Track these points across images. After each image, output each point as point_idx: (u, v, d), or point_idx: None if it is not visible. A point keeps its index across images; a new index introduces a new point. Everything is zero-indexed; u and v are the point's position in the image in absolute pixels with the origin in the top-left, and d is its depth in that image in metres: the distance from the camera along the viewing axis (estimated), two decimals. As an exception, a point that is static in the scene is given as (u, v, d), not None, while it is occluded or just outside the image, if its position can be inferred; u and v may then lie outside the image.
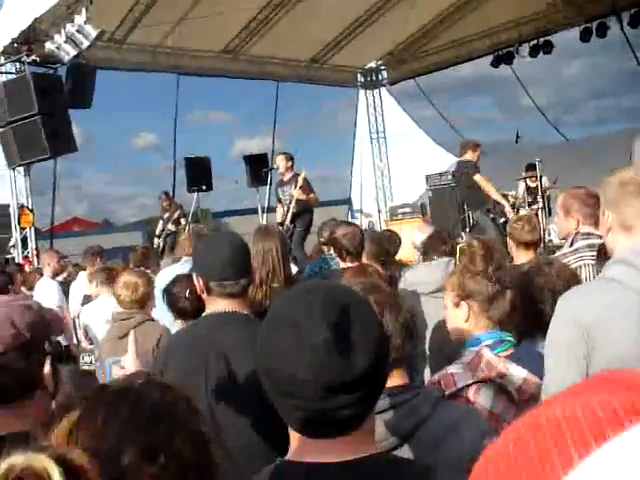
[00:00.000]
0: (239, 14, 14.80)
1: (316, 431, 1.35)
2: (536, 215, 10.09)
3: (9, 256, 13.16)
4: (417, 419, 1.90)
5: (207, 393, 2.62)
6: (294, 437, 1.39)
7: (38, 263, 11.91)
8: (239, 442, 2.54)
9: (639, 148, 1.84)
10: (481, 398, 2.49)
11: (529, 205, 12.39)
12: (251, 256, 3.02)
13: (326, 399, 1.27)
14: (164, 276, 5.80)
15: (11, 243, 13.44)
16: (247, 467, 2.09)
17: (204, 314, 3.00)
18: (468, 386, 2.49)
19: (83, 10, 11.19)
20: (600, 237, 3.29)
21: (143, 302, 4.81)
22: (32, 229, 13.53)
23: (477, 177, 10.02)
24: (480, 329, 2.69)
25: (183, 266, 5.75)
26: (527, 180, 13.03)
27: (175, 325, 4.47)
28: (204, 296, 2.92)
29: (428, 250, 5.41)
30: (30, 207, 13.47)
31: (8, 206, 13.63)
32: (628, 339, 2.13)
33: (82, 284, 7.82)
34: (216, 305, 2.84)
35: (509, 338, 2.69)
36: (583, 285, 3.08)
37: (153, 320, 4.87)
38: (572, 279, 3.17)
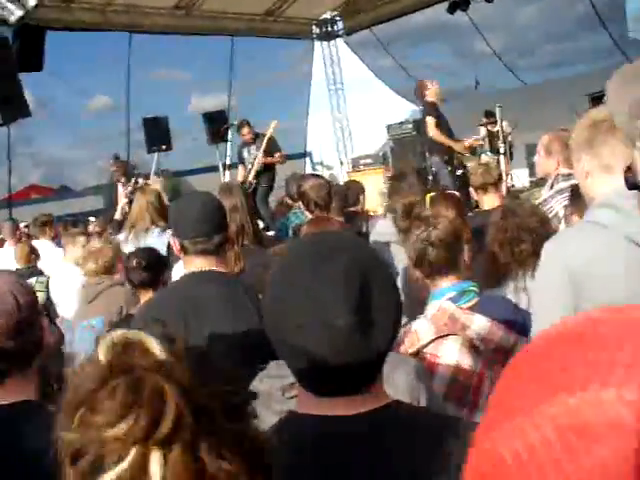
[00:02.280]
0: (189, -32, 14.48)
1: (328, 391, 1.33)
2: (497, 160, 10.16)
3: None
4: None
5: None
6: (303, 393, 1.36)
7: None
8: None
9: (612, 87, 1.76)
10: (446, 352, 2.49)
11: (491, 151, 12.44)
12: (224, 214, 2.98)
13: (342, 370, 1.27)
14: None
15: (-33, 214, 13.20)
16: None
17: (182, 274, 3.00)
18: (433, 341, 2.49)
19: (28, -32, 10.85)
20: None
21: (109, 269, 4.79)
22: (-10, 199, 13.31)
23: (428, 119, 10.01)
24: (431, 284, 2.69)
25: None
26: (488, 126, 13.09)
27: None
28: (182, 257, 2.92)
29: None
30: (-15, 176, 13.22)
31: (-38, 175, 13.39)
32: (617, 284, 2.10)
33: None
34: (193, 264, 2.85)
35: (472, 288, 2.69)
36: (569, 229, 3.07)
37: (122, 285, 4.86)
38: (545, 217, 3.19)
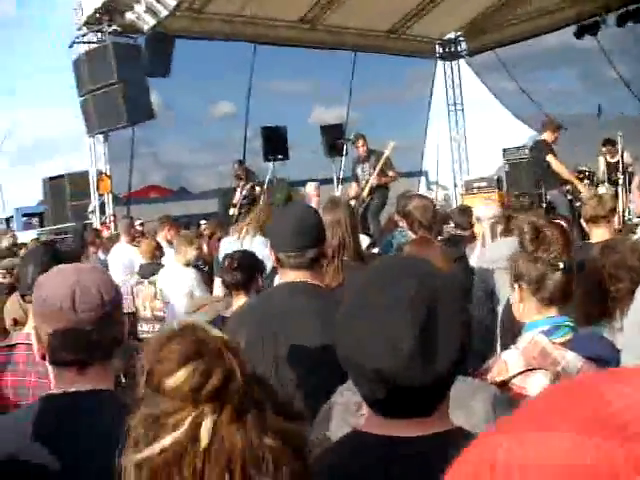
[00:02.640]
0: (317, -17, 14.71)
1: (390, 412, 1.35)
2: (615, 192, 9.83)
3: (88, 222, 13.47)
4: None
5: (275, 363, 2.65)
6: (369, 411, 1.39)
7: (115, 229, 12.21)
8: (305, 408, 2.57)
9: None
10: (534, 386, 2.44)
11: (609, 181, 12.04)
12: (322, 227, 2.98)
13: (404, 392, 1.29)
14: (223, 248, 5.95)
15: (90, 209, 13.76)
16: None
17: (276, 284, 3.02)
18: (521, 373, 2.44)
19: (163, -20, 11.31)
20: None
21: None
22: (110, 195, 13.84)
23: (549, 158, 9.88)
24: (532, 311, 2.63)
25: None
26: (607, 155, 12.67)
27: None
28: (278, 268, 2.94)
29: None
30: (108, 173, 13.75)
31: (87, 172, 13.95)
32: None
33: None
34: (287, 276, 2.86)
35: (568, 323, 2.61)
36: None
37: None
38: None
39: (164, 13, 11.56)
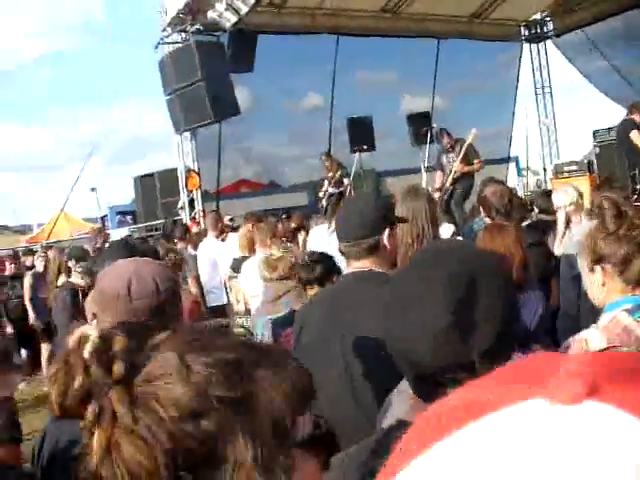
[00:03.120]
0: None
1: (433, 397, 1.33)
2: None
3: (177, 218, 13.77)
4: None
5: (342, 355, 2.67)
6: (414, 399, 1.39)
7: (205, 224, 12.44)
8: (373, 402, 2.57)
9: None
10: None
11: None
12: (382, 215, 2.96)
13: (440, 374, 1.28)
14: (312, 237, 5.96)
15: (179, 205, 14.08)
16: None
17: (343, 274, 3.05)
18: (602, 350, 2.38)
19: (242, -23, 11.46)
20: None
21: (285, 277, 4.94)
22: (199, 191, 14.11)
23: (633, 134, 9.61)
24: (617, 293, 2.55)
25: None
26: None
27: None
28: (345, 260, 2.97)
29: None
30: (196, 170, 14.03)
31: (176, 170, 14.27)
32: None
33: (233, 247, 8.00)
34: (351, 266, 2.88)
35: (652, 302, 2.54)
36: None
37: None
38: None
39: (245, 10, 11.72)
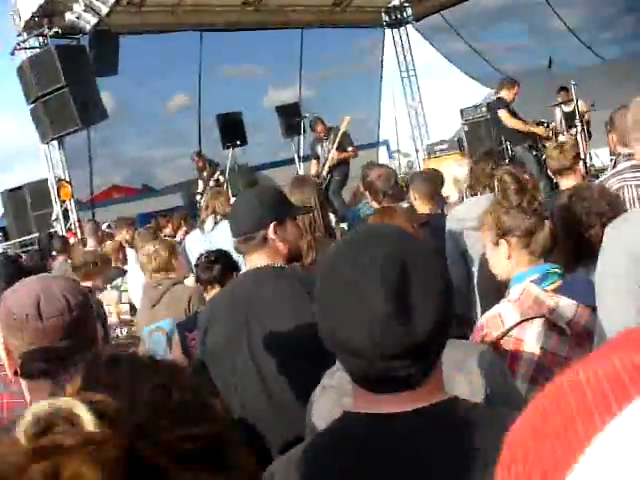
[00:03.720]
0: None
1: (379, 388, 1.31)
2: (575, 140, 9.95)
3: (52, 230, 13.30)
4: None
5: (250, 351, 2.66)
6: (357, 391, 1.35)
7: (82, 234, 12.05)
8: (286, 396, 2.56)
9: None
10: (531, 336, 2.42)
11: (567, 130, 12.14)
12: (267, 209, 2.93)
13: (386, 362, 1.24)
14: (191, 238, 5.90)
15: (53, 217, 13.58)
16: (296, 419, 2.13)
17: (241, 272, 3.02)
18: (517, 325, 2.42)
19: (98, -24, 11.11)
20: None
21: (166, 268, 4.88)
22: (72, 201, 13.65)
23: (500, 112, 10.10)
24: (523, 265, 2.60)
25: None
26: (562, 106, 12.81)
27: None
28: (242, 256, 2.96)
29: (474, 184, 5.29)
30: (68, 179, 13.57)
31: (46, 181, 13.75)
32: None
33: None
34: (249, 262, 2.88)
35: (555, 270, 2.60)
36: (631, 212, 2.94)
37: (181, 283, 4.95)
38: (614, 199, 3.06)
39: (105, 10, 11.36)
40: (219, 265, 4.43)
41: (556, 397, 0.52)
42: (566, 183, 4.75)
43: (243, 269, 3.44)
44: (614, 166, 4.12)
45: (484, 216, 2.72)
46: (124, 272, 7.06)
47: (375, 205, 4.95)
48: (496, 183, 2.66)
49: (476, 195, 5.10)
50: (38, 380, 1.84)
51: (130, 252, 7.71)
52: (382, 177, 4.93)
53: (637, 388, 0.47)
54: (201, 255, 4.60)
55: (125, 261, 7.63)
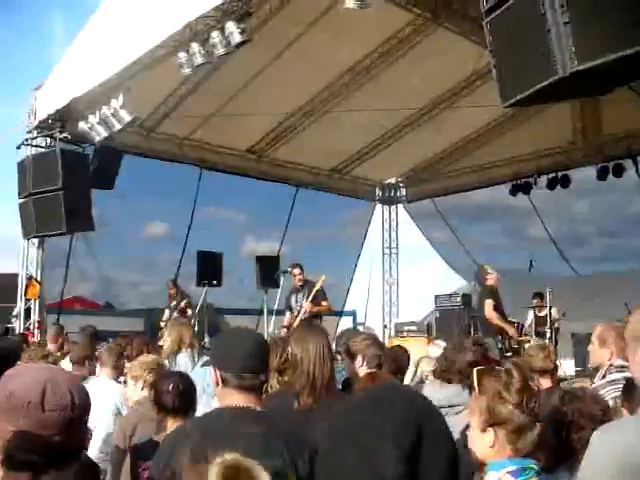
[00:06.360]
0: (268, 117, 15.12)
1: None
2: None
3: (10, 325, 13.02)
4: None
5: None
6: None
7: (40, 336, 11.81)
8: None
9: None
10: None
11: (537, 334, 12.35)
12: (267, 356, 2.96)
13: None
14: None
15: (14, 312, 13.33)
16: None
17: (217, 407, 2.94)
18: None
19: (120, 95, 11.46)
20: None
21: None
22: (37, 301, 13.45)
23: (487, 302, 10.30)
24: (504, 455, 2.58)
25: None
26: (535, 309, 13.09)
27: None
28: (217, 389, 2.87)
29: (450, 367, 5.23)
30: (38, 279, 13.43)
31: (17, 275, 13.60)
32: None
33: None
34: (230, 398, 2.80)
35: (532, 466, 2.58)
36: (619, 421, 2.96)
37: None
38: (607, 406, 3.09)
39: (117, 127, 11.66)
40: (187, 394, 4.18)
41: None
42: (543, 384, 4.78)
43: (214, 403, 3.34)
44: (603, 376, 4.22)
45: (476, 399, 2.70)
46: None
47: (365, 370, 4.86)
48: (502, 375, 2.64)
49: (448, 381, 5.05)
50: (15, 473, 1.73)
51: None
52: (372, 346, 4.88)
53: None
54: (167, 380, 4.39)
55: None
